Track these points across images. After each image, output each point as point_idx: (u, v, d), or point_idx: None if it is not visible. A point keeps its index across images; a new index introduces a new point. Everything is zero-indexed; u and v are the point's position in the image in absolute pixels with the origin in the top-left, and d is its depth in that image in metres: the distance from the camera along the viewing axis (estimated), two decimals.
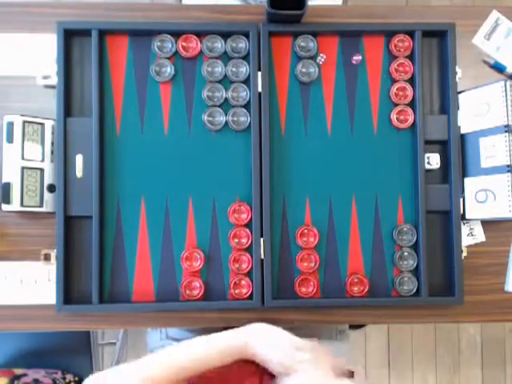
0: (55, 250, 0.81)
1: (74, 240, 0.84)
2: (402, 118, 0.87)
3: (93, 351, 1.17)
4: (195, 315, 0.87)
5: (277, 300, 0.83)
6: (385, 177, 0.87)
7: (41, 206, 0.83)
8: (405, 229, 0.86)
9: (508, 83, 0.84)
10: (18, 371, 1.07)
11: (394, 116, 0.87)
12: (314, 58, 0.87)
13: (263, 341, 0.64)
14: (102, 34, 0.85)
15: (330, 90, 0.88)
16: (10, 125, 0.82)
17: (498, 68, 0.92)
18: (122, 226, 0.85)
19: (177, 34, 0.86)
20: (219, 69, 0.86)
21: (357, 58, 0.87)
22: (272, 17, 0.84)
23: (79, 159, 0.84)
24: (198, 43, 0.86)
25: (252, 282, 0.83)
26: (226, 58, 0.86)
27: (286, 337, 0.65)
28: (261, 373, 0.85)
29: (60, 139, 0.82)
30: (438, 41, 0.89)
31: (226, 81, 0.86)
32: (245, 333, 0.66)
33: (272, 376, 0.70)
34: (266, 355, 0.63)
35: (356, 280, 0.85)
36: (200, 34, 0.86)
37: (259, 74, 0.85)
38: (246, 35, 0.85)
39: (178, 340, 1.07)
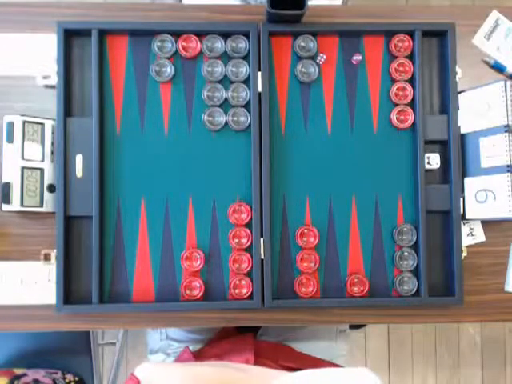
0: (55, 250, 0.81)
1: (74, 240, 0.84)
2: (402, 117, 0.87)
3: (93, 351, 1.17)
4: (195, 315, 0.87)
5: (277, 300, 0.83)
6: (385, 177, 0.87)
7: (41, 206, 0.83)
8: (405, 229, 0.86)
9: (508, 83, 0.84)
10: (18, 371, 1.07)
11: (394, 116, 0.87)
12: (313, 57, 0.87)
13: None
14: (102, 33, 0.85)
15: (330, 90, 0.88)
16: (10, 125, 0.82)
17: (498, 68, 0.92)
18: (122, 226, 0.85)
19: (177, 34, 0.86)
20: (219, 69, 0.86)
21: (357, 57, 0.87)
22: (272, 17, 0.84)
23: (79, 159, 0.84)
24: (198, 43, 0.86)
25: (252, 282, 0.83)
26: (226, 57, 0.86)
27: None
28: (254, 350, 0.86)
29: (60, 139, 0.82)
30: (438, 41, 0.89)
31: (226, 81, 0.86)
32: None
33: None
34: None
35: (356, 280, 0.85)
36: (200, 34, 0.86)
37: (259, 74, 0.85)
38: (246, 35, 0.85)
39: (178, 340, 1.08)
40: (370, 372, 0.57)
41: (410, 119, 0.86)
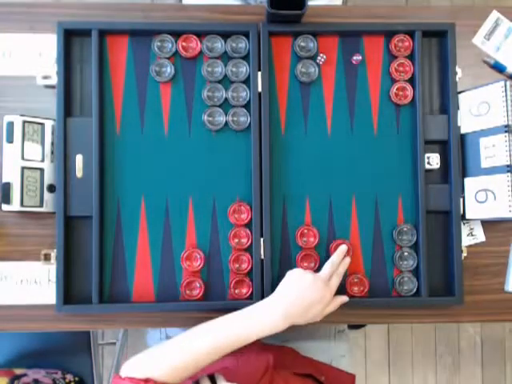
0: (55, 250, 0.81)
1: (74, 240, 0.84)
2: None
3: (93, 351, 1.17)
4: (195, 315, 0.87)
5: None
6: (385, 177, 0.87)
7: (41, 206, 0.83)
8: (405, 229, 0.86)
9: (508, 83, 0.84)
10: (18, 371, 1.07)
11: None
12: (313, 58, 0.87)
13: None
14: (102, 34, 0.85)
15: (330, 90, 0.88)
16: (10, 125, 0.82)
17: (498, 68, 0.92)
18: (122, 226, 0.85)
19: (177, 34, 0.86)
20: (219, 69, 0.86)
21: (357, 57, 0.87)
22: (272, 17, 0.84)
23: (79, 159, 0.84)
24: (198, 43, 0.86)
25: (252, 282, 0.83)
26: (226, 57, 0.86)
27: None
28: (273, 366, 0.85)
29: (60, 139, 0.82)
30: (438, 41, 0.89)
31: (226, 81, 0.86)
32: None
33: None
34: None
35: (356, 280, 0.85)
36: (200, 34, 0.86)
37: (259, 73, 0.85)
38: (246, 35, 0.85)
39: None
40: None
41: None
